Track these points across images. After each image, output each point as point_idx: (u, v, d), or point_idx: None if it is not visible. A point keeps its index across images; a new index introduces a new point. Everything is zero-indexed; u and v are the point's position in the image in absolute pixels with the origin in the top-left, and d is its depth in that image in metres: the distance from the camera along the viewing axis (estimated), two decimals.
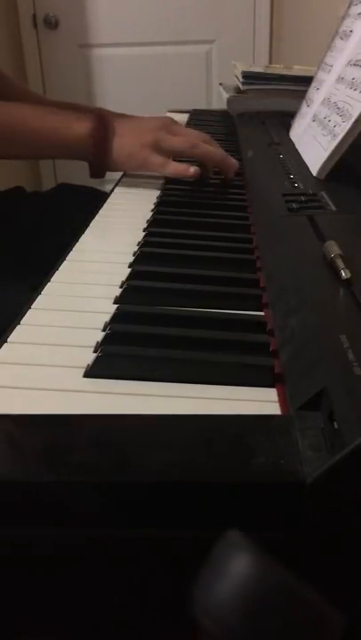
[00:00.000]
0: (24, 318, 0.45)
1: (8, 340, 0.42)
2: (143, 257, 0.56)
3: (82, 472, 0.28)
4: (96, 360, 0.38)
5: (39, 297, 0.48)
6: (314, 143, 0.76)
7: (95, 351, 0.40)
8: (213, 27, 2.43)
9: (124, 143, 0.77)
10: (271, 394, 0.36)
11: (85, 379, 0.37)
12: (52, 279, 0.52)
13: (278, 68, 1.34)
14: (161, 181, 0.81)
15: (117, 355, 0.39)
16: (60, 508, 0.28)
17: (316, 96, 0.87)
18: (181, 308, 0.46)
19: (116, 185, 0.83)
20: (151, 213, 0.70)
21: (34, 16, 2.47)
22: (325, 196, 0.63)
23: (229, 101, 1.23)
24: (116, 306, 0.46)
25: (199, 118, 1.30)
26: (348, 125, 0.65)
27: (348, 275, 0.42)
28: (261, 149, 0.88)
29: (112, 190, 0.81)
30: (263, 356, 0.39)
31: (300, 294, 0.43)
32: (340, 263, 0.43)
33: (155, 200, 0.74)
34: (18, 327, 0.43)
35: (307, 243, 0.50)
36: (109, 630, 0.31)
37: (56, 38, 2.50)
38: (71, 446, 0.29)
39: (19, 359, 0.39)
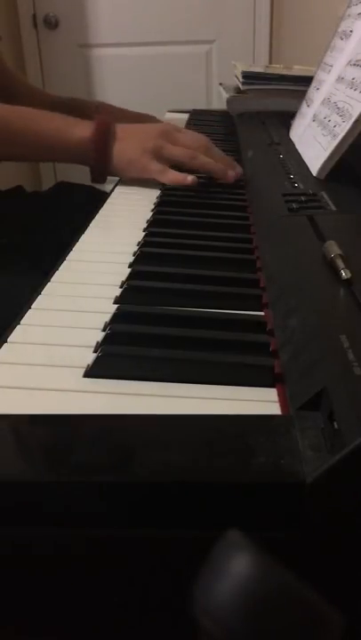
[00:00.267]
0: (24, 318, 0.45)
1: (8, 340, 0.41)
2: (143, 257, 0.56)
3: (82, 472, 0.28)
4: (96, 360, 0.38)
5: (39, 297, 0.48)
6: (314, 143, 0.76)
7: (95, 351, 0.40)
8: (213, 27, 2.43)
9: (124, 148, 0.77)
10: (271, 394, 0.36)
11: (85, 379, 0.37)
12: (52, 279, 0.52)
13: (278, 68, 1.34)
14: None
15: (117, 355, 0.39)
16: (61, 508, 0.28)
17: (317, 96, 0.87)
18: (181, 308, 0.46)
19: (116, 185, 0.83)
20: (151, 213, 0.70)
21: (34, 16, 2.47)
22: (325, 195, 0.63)
23: (229, 101, 1.23)
24: (116, 306, 0.46)
25: (199, 118, 1.30)
26: (348, 125, 0.65)
27: (349, 275, 0.42)
28: (261, 149, 0.88)
29: (112, 190, 0.81)
30: (263, 355, 0.39)
31: (300, 294, 0.43)
32: (340, 263, 0.43)
33: (155, 200, 0.74)
34: (18, 327, 0.43)
35: (307, 243, 0.50)
36: (109, 630, 0.31)
37: (56, 38, 2.50)
38: (71, 446, 0.29)
39: (19, 359, 0.39)
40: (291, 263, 0.48)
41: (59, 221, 0.89)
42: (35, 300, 0.48)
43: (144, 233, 0.63)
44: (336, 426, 0.28)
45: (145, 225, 0.66)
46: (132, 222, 0.67)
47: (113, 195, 0.79)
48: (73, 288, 0.51)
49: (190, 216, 0.68)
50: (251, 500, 0.27)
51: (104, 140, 0.76)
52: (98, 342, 0.41)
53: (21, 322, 0.44)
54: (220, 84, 1.43)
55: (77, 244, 0.61)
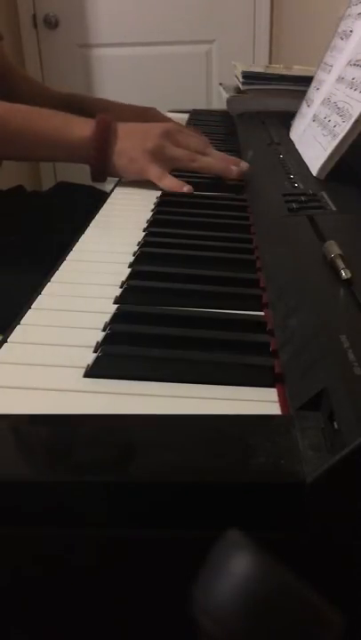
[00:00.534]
0: (24, 318, 0.45)
1: (8, 340, 0.42)
2: (143, 257, 0.56)
3: (82, 472, 0.28)
4: (96, 360, 0.38)
5: (39, 297, 0.48)
6: (314, 143, 0.76)
7: (95, 351, 0.40)
8: (213, 27, 2.43)
9: (125, 148, 0.76)
10: (271, 394, 0.36)
11: (85, 379, 0.37)
12: (52, 279, 0.52)
13: (278, 68, 1.34)
14: None
15: (117, 355, 0.39)
16: (60, 508, 0.28)
17: (317, 96, 0.87)
18: (181, 308, 0.46)
19: (117, 185, 0.83)
20: (151, 213, 0.70)
21: (34, 16, 2.47)
22: (325, 195, 0.63)
23: (229, 101, 1.23)
24: (116, 306, 0.46)
25: (199, 118, 1.30)
26: (348, 125, 0.65)
27: (349, 275, 0.42)
28: (261, 149, 0.88)
29: (112, 190, 0.81)
30: (263, 355, 0.39)
31: (300, 294, 0.43)
32: (340, 263, 0.43)
33: (155, 200, 0.74)
34: (18, 327, 0.43)
35: (307, 243, 0.50)
36: (109, 630, 0.31)
37: (56, 38, 2.50)
38: (71, 446, 0.29)
39: (19, 359, 0.39)
40: (291, 263, 0.48)
41: (59, 221, 0.89)
42: (35, 300, 0.48)
43: (144, 233, 0.63)
44: (336, 426, 0.28)
45: (145, 225, 0.66)
46: (132, 222, 0.67)
47: (113, 195, 0.79)
48: (73, 288, 0.51)
49: (190, 216, 0.68)
50: (251, 500, 0.27)
51: (105, 138, 0.76)
52: (98, 342, 0.41)
53: (21, 322, 0.44)
54: (220, 84, 1.43)
55: (77, 244, 0.61)
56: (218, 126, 1.21)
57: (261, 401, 0.35)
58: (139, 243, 0.60)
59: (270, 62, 2.37)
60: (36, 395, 0.35)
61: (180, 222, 0.67)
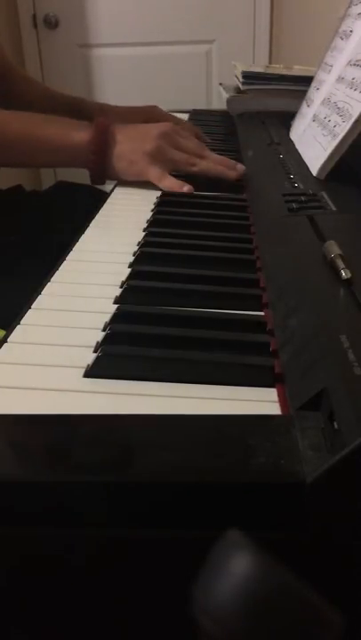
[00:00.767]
0: (24, 318, 0.45)
1: (8, 340, 0.42)
2: (143, 257, 0.56)
3: (82, 472, 0.28)
4: (96, 360, 0.38)
5: (39, 297, 0.48)
6: (314, 143, 0.76)
7: (95, 351, 0.40)
8: (213, 27, 2.43)
9: (124, 151, 0.77)
10: (271, 394, 0.36)
11: (85, 379, 0.37)
12: (52, 279, 0.52)
13: (278, 68, 1.34)
14: None
15: (117, 355, 0.39)
16: (60, 509, 0.28)
17: (317, 96, 0.87)
18: (181, 308, 0.46)
19: (117, 185, 0.83)
20: (151, 213, 0.70)
21: (34, 16, 2.47)
22: (325, 195, 0.63)
23: (229, 101, 1.23)
24: (116, 306, 0.46)
25: (199, 118, 1.30)
26: (348, 125, 0.65)
27: (349, 275, 0.42)
28: (261, 149, 0.88)
29: (112, 190, 0.81)
30: (263, 356, 0.39)
31: (300, 294, 0.43)
32: (340, 263, 0.43)
33: (155, 200, 0.74)
34: (18, 327, 0.43)
35: (307, 243, 0.50)
36: (109, 630, 0.31)
37: (56, 38, 2.50)
38: (71, 446, 0.29)
39: (19, 359, 0.39)
40: (291, 263, 0.48)
41: (59, 221, 0.89)
42: (35, 300, 0.48)
43: (144, 233, 0.63)
44: (336, 426, 0.28)
45: (145, 225, 0.66)
46: (132, 222, 0.67)
47: (113, 195, 0.79)
48: (73, 288, 0.51)
49: (190, 216, 0.68)
50: (251, 500, 0.27)
51: (103, 141, 0.76)
52: (98, 342, 0.41)
53: (21, 322, 0.44)
54: (220, 84, 1.43)
55: (77, 244, 0.61)
56: (218, 126, 1.21)
57: (261, 401, 0.35)
58: (139, 243, 0.60)
59: (270, 62, 2.37)
60: (36, 395, 0.35)
61: (180, 222, 0.67)
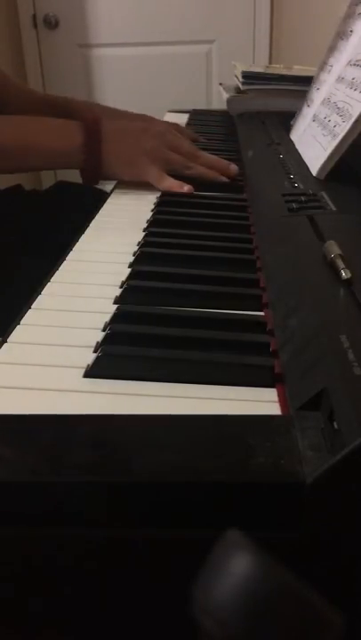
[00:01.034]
0: (24, 318, 0.45)
1: (8, 340, 0.42)
2: (143, 257, 0.56)
3: (82, 472, 0.28)
4: (96, 360, 0.38)
5: (39, 297, 0.48)
6: (314, 143, 0.76)
7: (95, 351, 0.40)
8: (213, 27, 2.43)
9: (120, 150, 0.76)
10: (271, 394, 0.36)
11: (85, 379, 0.37)
12: (52, 279, 0.52)
13: (278, 68, 1.34)
14: None
15: (117, 355, 0.39)
16: (60, 509, 0.28)
17: (317, 96, 0.87)
18: (181, 308, 0.46)
19: (117, 185, 0.83)
20: (151, 213, 0.70)
21: (34, 16, 2.47)
22: (325, 195, 0.63)
23: (229, 101, 1.23)
24: (116, 306, 0.46)
25: (199, 118, 1.30)
26: (348, 125, 0.65)
27: (349, 275, 0.42)
28: (261, 149, 0.88)
29: (112, 190, 0.81)
30: (263, 356, 0.39)
31: (300, 294, 0.43)
32: (340, 263, 0.43)
33: (155, 200, 0.74)
34: (18, 327, 0.43)
35: (307, 243, 0.50)
36: (109, 630, 0.31)
37: (56, 38, 2.50)
38: (71, 446, 0.29)
39: (19, 359, 0.39)
40: (291, 263, 0.48)
41: (59, 221, 0.89)
42: (35, 300, 0.48)
43: (144, 233, 0.63)
44: (336, 426, 0.28)
45: (145, 225, 0.66)
46: (132, 222, 0.67)
47: (113, 194, 0.79)
48: (73, 288, 0.51)
49: (190, 216, 0.68)
50: (251, 500, 0.27)
51: (96, 141, 0.74)
52: (98, 342, 0.41)
53: (21, 322, 0.44)
54: (220, 84, 1.43)
55: (77, 244, 0.61)
56: (218, 126, 1.21)
57: (261, 401, 0.35)
58: (139, 243, 0.60)
59: (270, 62, 2.37)
60: (36, 395, 0.35)
61: (180, 222, 0.67)
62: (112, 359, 0.38)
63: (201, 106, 1.68)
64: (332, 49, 0.89)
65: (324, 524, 0.27)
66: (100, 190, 0.96)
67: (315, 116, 0.82)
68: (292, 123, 0.95)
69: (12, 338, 0.42)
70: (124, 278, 0.51)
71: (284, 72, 1.24)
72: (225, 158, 0.83)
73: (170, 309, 0.46)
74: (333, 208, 0.59)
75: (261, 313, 0.45)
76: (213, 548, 0.18)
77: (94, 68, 2.54)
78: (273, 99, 1.18)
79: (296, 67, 1.31)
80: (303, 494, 0.26)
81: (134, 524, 0.28)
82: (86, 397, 0.36)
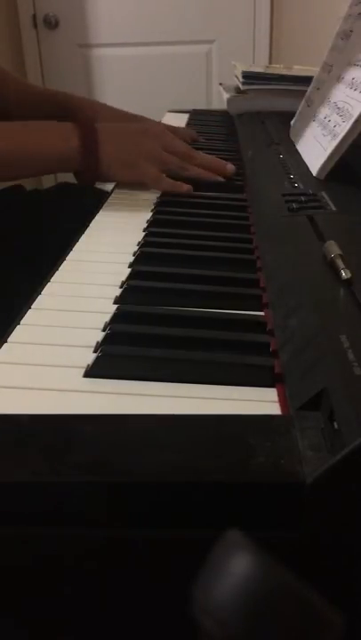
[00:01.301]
0: (24, 318, 0.45)
1: (8, 340, 0.41)
2: (143, 257, 0.56)
3: (82, 472, 0.28)
4: (96, 360, 0.38)
5: (39, 297, 0.48)
6: (314, 143, 0.76)
7: (95, 351, 0.40)
8: (213, 27, 2.43)
9: (116, 152, 0.75)
10: (271, 394, 0.36)
11: (85, 379, 0.37)
12: (52, 279, 0.52)
13: (278, 68, 1.34)
14: None
15: (117, 355, 0.39)
16: (60, 509, 0.28)
17: (317, 96, 0.87)
18: (181, 308, 0.46)
19: (117, 185, 0.83)
20: (151, 213, 0.70)
21: (34, 16, 2.47)
22: (325, 195, 0.63)
23: (229, 101, 1.23)
24: (116, 306, 0.46)
25: (199, 118, 1.30)
26: (348, 125, 0.65)
27: (349, 275, 0.42)
28: (261, 149, 0.88)
29: (112, 190, 0.81)
30: (263, 356, 0.39)
31: (300, 294, 0.43)
32: (340, 263, 0.43)
33: (155, 200, 0.74)
34: (18, 327, 0.43)
35: (307, 243, 0.50)
36: (109, 630, 0.31)
37: (56, 38, 2.50)
38: (71, 446, 0.29)
39: (19, 359, 0.39)
40: (291, 263, 0.48)
41: (59, 221, 0.89)
42: (35, 300, 0.48)
43: (144, 233, 0.63)
44: (336, 426, 0.28)
45: (145, 225, 0.66)
46: (132, 222, 0.67)
47: (113, 195, 0.79)
48: (73, 288, 0.51)
49: (190, 216, 0.68)
50: (250, 500, 0.27)
51: (93, 142, 0.73)
52: (98, 342, 0.41)
53: (21, 322, 0.44)
54: (220, 84, 1.43)
55: (77, 243, 0.61)
56: (218, 126, 1.21)
57: (261, 401, 0.35)
58: (139, 243, 0.60)
59: (270, 62, 2.38)
60: (36, 395, 0.35)
61: (180, 222, 0.67)
62: (112, 359, 0.38)
63: (201, 106, 1.68)
64: (332, 49, 0.89)
65: (324, 524, 0.27)
66: (100, 190, 0.96)
67: (315, 116, 0.82)
68: (292, 123, 0.95)
69: (12, 338, 0.42)
70: (124, 278, 0.51)
71: (284, 72, 1.24)
72: (225, 158, 0.83)
73: (170, 309, 0.46)
74: (333, 208, 0.59)
75: (261, 313, 0.45)
76: (213, 548, 0.18)
77: (94, 68, 2.54)
78: (273, 99, 1.18)
79: (296, 67, 1.31)
80: (303, 494, 0.26)
81: (134, 524, 0.28)
82: (86, 397, 0.36)
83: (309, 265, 0.46)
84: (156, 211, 0.70)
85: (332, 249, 0.45)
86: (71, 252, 0.58)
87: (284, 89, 1.18)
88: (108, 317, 0.44)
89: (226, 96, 1.26)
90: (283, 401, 0.35)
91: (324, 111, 0.78)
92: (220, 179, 0.80)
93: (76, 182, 1.03)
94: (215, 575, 0.17)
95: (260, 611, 0.16)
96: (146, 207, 0.72)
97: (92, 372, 0.37)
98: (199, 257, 0.56)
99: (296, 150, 0.83)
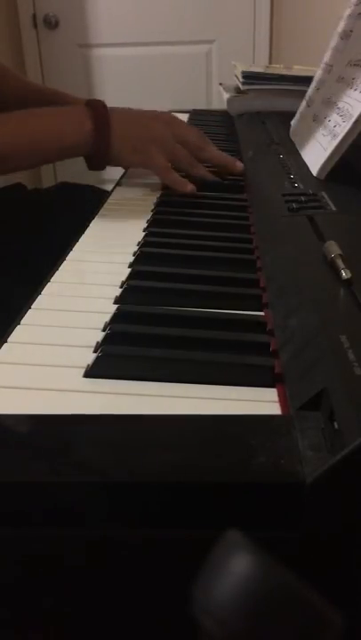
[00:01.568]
0: (24, 318, 0.45)
1: (8, 340, 0.42)
2: (143, 257, 0.56)
3: (82, 472, 0.28)
4: (96, 360, 0.38)
5: (39, 297, 0.48)
6: (314, 143, 0.76)
7: (95, 351, 0.40)
8: (213, 27, 2.43)
9: (128, 135, 0.74)
10: (271, 394, 0.36)
11: (85, 379, 0.37)
12: (52, 279, 0.52)
13: (278, 68, 1.34)
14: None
15: (117, 355, 0.39)
16: (60, 509, 0.28)
17: (317, 96, 0.87)
18: (181, 308, 0.46)
19: (117, 184, 0.83)
20: (151, 213, 0.70)
21: (34, 16, 2.47)
22: (325, 195, 0.63)
23: (229, 101, 1.23)
24: (116, 306, 0.46)
25: (199, 118, 1.30)
26: (348, 125, 0.65)
27: (349, 275, 0.42)
28: (261, 149, 0.88)
29: (112, 190, 0.81)
30: (263, 356, 0.39)
31: (300, 294, 0.43)
32: (340, 263, 0.43)
33: (155, 200, 0.74)
34: (18, 327, 0.43)
35: (307, 243, 0.50)
36: (109, 630, 0.31)
37: (56, 38, 2.50)
38: (71, 446, 0.29)
39: (19, 359, 0.39)
40: (291, 263, 0.48)
41: (59, 221, 0.89)
42: (35, 300, 0.48)
43: (144, 233, 0.63)
44: (336, 426, 0.28)
45: (145, 225, 0.66)
46: (132, 222, 0.67)
47: (113, 194, 0.79)
48: (73, 288, 0.51)
49: (190, 216, 0.68)
50: (251, 500, 0.27)
51: (105, 123, 0.72)
52: (98, 342, 0.41)
53: (21, 322, 0.44)
54: (220, 84, 1.43)
55: (77, 244, 0.61)
56: (218, 126, 1.20)
57: (261, 401, 0.35)
58: (139, 243, 0.60)
59: (270, 62, 2.38)
60: (36, 395, 0.35)
61: (180, 222, 0.67)
62: (112, 359, 0.38)
63: (201, 106, 1.68)
64: (332, 49, 0.89)
65: (324, 524, 0.27)
66: (101, 190, 0.96)
67: (315, 115, 0.82)
68: (292, 123, 0.95)
69: (12, 338, 0.42)
70: (124, 278, 0.51)
71: (284, 72, 1.24)
72: None
73: (170, 309, 0.46)
74: (333, 208, 0.59)
75: (261, 313, 0.45)
76: (213, 548, 0.18)
77: (94, 68, 2.54)
78: (273, 99, 1.18)
79: (296, 67, 1.31)
80: (303, 494, 0.26)
81: (134, 523, 0.28)
82: (86, 397, 0.36)
83: (309, 265, 0.46)
84: (156, 211, 0.70)
85: (332, 249, 0.45)
86: (71, 252, 0.58)
87: (284, 89, 1.18)
88: (108, 317, 0.44)
89: (226, 96, 1.26)
90: (283, 401, 0.35)
91: (324, 111, 0.78)
92: (225, 180, 0.79)
93: (75, 182, 1.03)
94: (215, 575, 0.17)
95: (259, 610, 0.16)
96: (146, 207, 0.72)
97: (92, 372, 0.37)
98: (199, 257, 0.56)
99: (296, 150, 0.83)
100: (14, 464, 0.28)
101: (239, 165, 0.80)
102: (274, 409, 0.34)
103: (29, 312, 0.46)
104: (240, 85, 1.23)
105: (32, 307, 0.47)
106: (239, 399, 0.35)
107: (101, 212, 0.72)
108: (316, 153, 0.72)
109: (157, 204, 0.72)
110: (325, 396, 0.31)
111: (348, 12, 0.88)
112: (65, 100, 1.01)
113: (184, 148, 0.77)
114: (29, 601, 0.30)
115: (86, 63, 2.53)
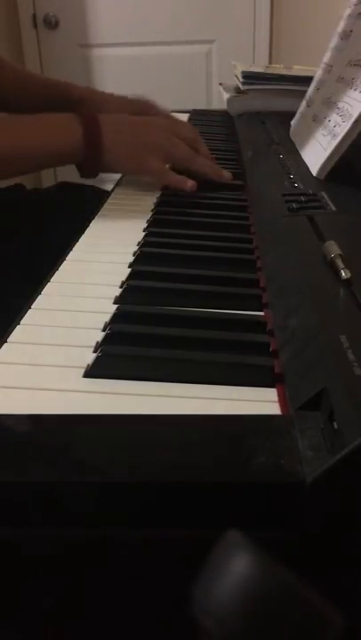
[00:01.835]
0: (24, 318, 0.45)
1: (8, 340, 0.41)
2: (143, 257, 0.56)
3: (82, 472, 0.28)
4: (96, 360, 0.38)
5: (39, 297, 0.48)
6: (314, 143, 0.76)
7: (95, 351, 0.40)
8: (213, 27, 2.43)
9: (121, 142, 0.74)
10: (271, 394, 0.36)
11: (85, 379, 0.37)
12: (52, 279, 0.52)
13: (278, 68, 1.34)
14: None
15: (117, 355, 0.39)
16: (60, 508, 0.28)
17: (317, 96, 0.87)
18: (181, 308, 0.46)
19: (117, 184, 0.83)
20: (151, 213, 0.70)
21: (34, 16, 2.47)
22: (325, 195, 0.63)
23: (229, 101, 1.23)
24: (116, 306, 0.46)
25: (199, 118, 1.30)
26: (348, 125, 0.65)
27: (348, 275, 0.42)
28: (261, 149, 0.88)
29: (112, 190, 0.81)
30: (263, 356, 0.39)
31: (300, 294, 0.43)
32: (340, 263, 0.43)
33: (155, 200, 0.74)
34: (18, 327, 0.43)
35: (307, 243, 0.50)
36: (109, 630, 0.31)
37: (56, 38, 2.50)
38: (71, 446, 0.29)
39: (19, 359, 0.39)
40: (291, 263, 0.48)
41: (59, 221, 0.89)
42: (35, 300, 0.48)
43: (144, 233, 0.63)
44: (336, 426, 0.28)
45: (145, 225, 0.66)
46: (132, 222, 0.67)
47: (113, 194, 0.79)
48: (73, 288, 0.51)
49: (190, 216, 0.68)
50: (251, 500, 0.27)
51: (96, 133, 0.72)
52: (98, 342, 0.41)
53: (21, 322, 0.44)
54: (220, 84, 1.43)
55: (77, 244, 0.61)
56: (218, 126, 1.20)
57: (261, 401, 0.35)
58: (139, 243, 0.60)
59: (270, 62, 2.38)
60: (36, 395, 0.35)
61: (180, 222, 0.67)
62: (112, 359, 0.38)
63: (201, 106, 1.68)
64: (332, 49, 0.89)
65: (324, 524, 0.27)
66: (101, 190, 0.96)
67: (315, 115, 0.82)
68: (292, 123, 0.95)
69: (12, 338, 0.42)
70: (124, 278, 0.51)
71: (284, 72, 1.24)
72: (225, 158, 0.83)
73: (170, 309, 0.46)
74: (333, 208, 0.59)
75: (261, 313, 0.45)
76: (213, 548, 0.18)
77: (94, 68, 2.54)
78: (273, 99, 1.18)
79: (296, 67, 1.31)
80: (303, 494, 0.27)
81: (134, 523, 0.28)
82: (86, 397, 0.36)
83: (309, 265, 0.46)
84: (156, 211, 0.70)
85: (332, 249, 0.45)
86: (71, 252, 0.58)
87: (284, 89, 1.18)
88: (108, 317, 0.44)
89: (226, 96, 1.26)
90: (283, 401, 0.35)
91: (324, 111, 0.78)
92: (227, 174, 0.79)
93: (75, 181, 1.02)
94: (215, 575, 0.17)
95: (259, 610, 0.16)
96: (146, 207, 0.72)
97: (92, 372, 0.37)
98: (199, 257, 0.56)
99: (296, 150, 0.83)
100: (14, 464, 0.28)
101: (227, 176, 0.79)
102: (274, 409, 0.34)
103: (29, 312, 0.46)
104: (240, 85, 1.23)
105: (32, 307, 0.47)
106: (239, 399, 0.35)
107: (101, 212, 0.72)
108: (316, 153, 0.72)
109: (157, 204, 0.72)
110: (325, 396, 0.31)
111: (348, 12, 0.88)
112: (69, 89, 0.99)
113: (182, 143, 0.77)
114: (29, 601, 0.30)
115: (86, 63, 2.53)
